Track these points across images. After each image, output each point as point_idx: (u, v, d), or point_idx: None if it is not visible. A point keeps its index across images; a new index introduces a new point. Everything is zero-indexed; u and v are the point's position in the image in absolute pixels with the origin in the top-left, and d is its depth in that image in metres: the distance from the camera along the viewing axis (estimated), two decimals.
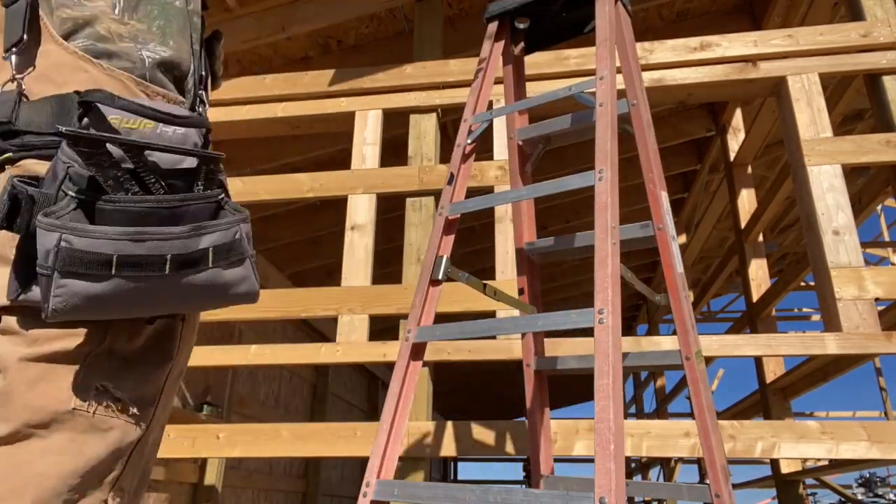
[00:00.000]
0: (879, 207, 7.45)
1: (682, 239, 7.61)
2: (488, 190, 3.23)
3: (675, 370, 2.22)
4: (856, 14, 3.36)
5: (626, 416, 11.03)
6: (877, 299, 2.77)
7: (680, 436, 2.70)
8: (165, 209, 0.91)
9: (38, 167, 0.94)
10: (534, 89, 3.34)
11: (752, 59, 3.29)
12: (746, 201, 5.33)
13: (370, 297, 3.13)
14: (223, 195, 1.02)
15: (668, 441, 2.70)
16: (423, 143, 3.47)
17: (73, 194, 0.86)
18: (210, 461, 5.06)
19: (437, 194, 3.29)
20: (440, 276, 1.75)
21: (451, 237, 1.86)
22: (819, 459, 4.31)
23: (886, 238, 7.88)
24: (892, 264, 7.71)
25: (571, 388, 13.83)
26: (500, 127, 3.34)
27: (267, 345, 3.16)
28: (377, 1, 3.77)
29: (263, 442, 2.96)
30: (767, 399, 4.63)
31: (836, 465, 4.18)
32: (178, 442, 3.02)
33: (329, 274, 6.98)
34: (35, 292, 0.87)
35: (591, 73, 3.36)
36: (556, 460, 2.25)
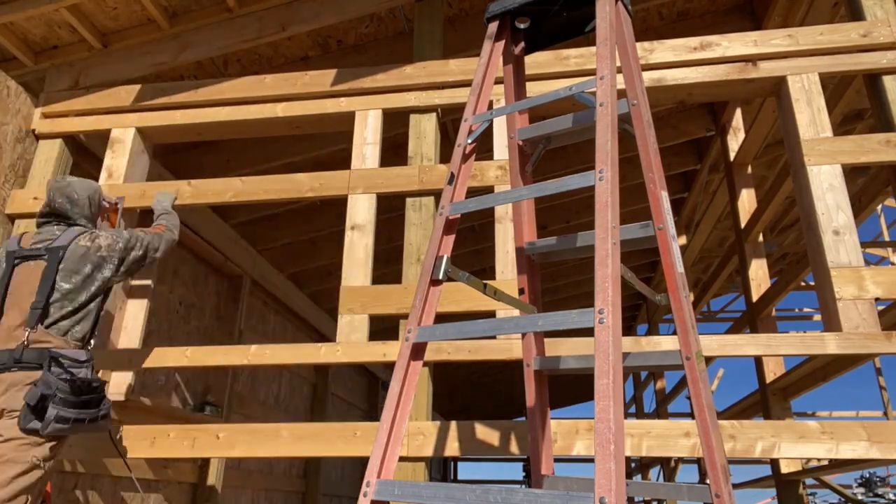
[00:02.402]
0: (879, 207, 7.45)
1: (682, 239, 7.61)
2: (488, 190, 3.23)
3: (675, 370, 2.22)
4: (856, 14, 3.36)
5: (626, 416, 11.02)
6: (877, 299, 2.77)
7: (680, 436, 2.70)
8: None
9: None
10: (534, 89, 3.34)
11: (752, 59, 3.29)
12: (746, 201, 5.33)
13: (370, 297, 3.13)
14: None
15: (668, 441, 2.70)
16: (423, 143, 3.46)
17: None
18: (210, 461, 5.06)
19: (437, 194, 3.29)
20: (440, 276, 1.75)
21: (452, 237, 1.86)
22: (819, 459, 4.31)
23: (886, 238, 7.88)
24: (892, 264, 7.71)
25: (571, 388, 13.84)
26: (500, 127, 3.34)
27: (267, 345, 3.16)
28: (377, 1, 3.77)
29: (263, 442, 2.96)
30: (767, 399, 4.63)
31: (836, 464, 4.18)
32: (178, 442, 3.02)
33: (329, 274, 6.98)
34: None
35: (592, 72, 3.36)
36: (556, 460, 2.25)
